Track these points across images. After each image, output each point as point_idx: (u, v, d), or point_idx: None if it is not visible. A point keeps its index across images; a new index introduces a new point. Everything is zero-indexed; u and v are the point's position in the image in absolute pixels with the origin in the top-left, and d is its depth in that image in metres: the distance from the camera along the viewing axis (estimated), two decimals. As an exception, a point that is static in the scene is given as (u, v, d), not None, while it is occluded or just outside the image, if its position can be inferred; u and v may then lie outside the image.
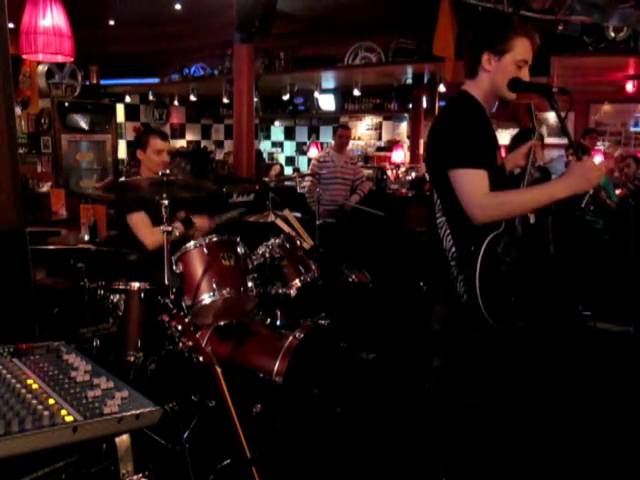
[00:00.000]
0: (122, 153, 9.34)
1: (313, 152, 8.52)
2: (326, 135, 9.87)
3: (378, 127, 9.35)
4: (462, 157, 1.83)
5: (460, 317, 1.91)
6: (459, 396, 2.03)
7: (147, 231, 2.90)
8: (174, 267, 2.44)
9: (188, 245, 2.48)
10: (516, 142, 4.06)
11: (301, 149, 10.31)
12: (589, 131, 6.17)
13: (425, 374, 2.14)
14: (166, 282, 2.32)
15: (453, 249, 1.92)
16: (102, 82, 8.21)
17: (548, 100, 1.78)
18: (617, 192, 5.05)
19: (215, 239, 2.51)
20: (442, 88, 7.22)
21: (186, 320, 2.27)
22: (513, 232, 1.89)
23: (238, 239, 2.58)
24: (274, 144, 10.84)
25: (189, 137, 10.62)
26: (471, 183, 1.82)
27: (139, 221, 2.92)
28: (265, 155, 10.18)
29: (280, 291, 2.69)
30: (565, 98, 1.77)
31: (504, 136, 7.92)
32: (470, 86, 1.97)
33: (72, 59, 4.21)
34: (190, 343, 2.22)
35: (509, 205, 1.81)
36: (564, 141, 1.99)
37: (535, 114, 2.23)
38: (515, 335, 2.01)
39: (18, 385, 1.17)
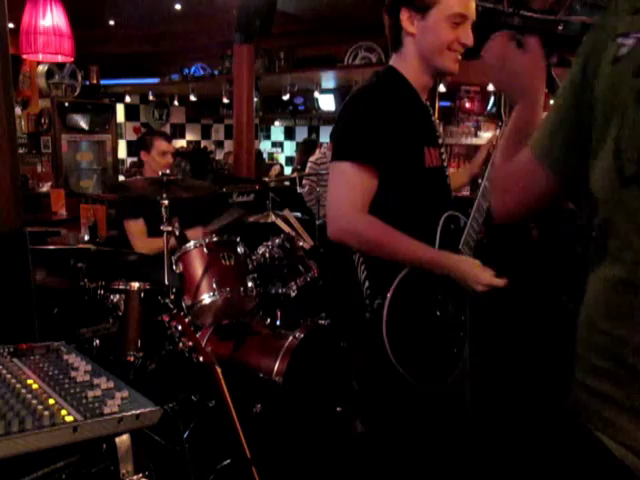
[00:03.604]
0: (122, 153, 9.33)
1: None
2: (326, 135, 9.87)
3: (378, 127, 9.36)
4: (347, 146, 1.42)
5: (379, 371, 1.49)
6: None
7: (139, 242, 2.94)
8: (174, 267, 2.44)
9: (188, 245, 2.49)
10: None
11: (301, 149, 10.31)
12: None
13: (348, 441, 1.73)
14: (166, 282, 2.32)
15: (367, 283, 1.49)
16: (102, 82, 8.20)
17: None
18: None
19: (215, 239, 2.51)
20: (442, 88, 7.22)
21: (186, 320, 2.27)
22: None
23: (238, 239, 2.58)
24: (274, 144, 10.83)
25: (189, 137, 10.61)
26: (347, 185, 1.40)
27: (135, 229, 2.97)
28: (265, 155, 10.18)
29: (280, 291, 2.69)
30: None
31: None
32: (396, 60, 1.56)
33: (72, 59, 4.22)
34: (190, 343, 2.22)
35: (375, 246, 1.41)
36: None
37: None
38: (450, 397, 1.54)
39: (18, 385, 1.17)
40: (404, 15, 1.47)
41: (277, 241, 2.77)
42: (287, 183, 5.81)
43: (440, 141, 1.64)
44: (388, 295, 1.41)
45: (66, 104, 7.46)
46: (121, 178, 8.08)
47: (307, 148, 7.25)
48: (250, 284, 2.49)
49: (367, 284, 1.49)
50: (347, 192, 1.41)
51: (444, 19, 1.44)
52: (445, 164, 1.64)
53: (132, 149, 9.28)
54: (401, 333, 1.42)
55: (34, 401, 1.09)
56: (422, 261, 1.44)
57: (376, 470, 1.88)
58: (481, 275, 1.45)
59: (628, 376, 0.76)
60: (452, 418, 1.60)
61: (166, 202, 2.36)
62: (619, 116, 0.76)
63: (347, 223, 1.42)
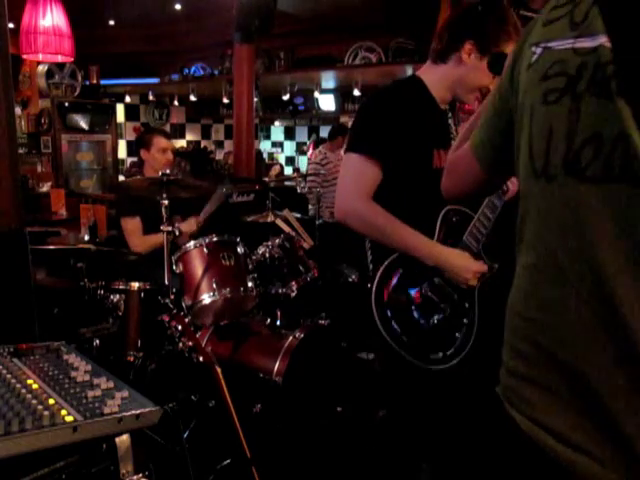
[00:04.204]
0: (122, 153, 9.33)
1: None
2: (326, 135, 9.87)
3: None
4: (357, 140, 1.57)
5: (383, 353, 1.60)
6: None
7: (135, 239, 2.94)
8: (174, 267, 2.44)
9: (188, 245, 2.49)
10: None
11: (301, 149, 10.30)
12: None
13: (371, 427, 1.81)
14: (166, 282, 2.32)
15: (371, 266, 1.64)
16: (102, 82, 8.21)
17: None
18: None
19: (215, 239, 2.51)
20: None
21: (186, 320, 2.27)
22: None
23: (238, 239, 2.58)
24: (274, 144, 10.83)
25: (189, 137, 10.61)
26: (355, 173, 1.55)
27: (130, 227, 2.97)
28: (265, 155, 10.18)
29: (280, 291, 2.69)
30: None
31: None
32: (429, 72, 1.66)
33: (72, 59, 4.23)
34: (190, 343, 2.22)
35: (378, 232, 1.55)
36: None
37: None
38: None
39: (18, 385, 1.17)
40: (467, 45, 1.57)
41: (277, 241, 2.77)
42: (295, 183, 5.81)
43: None
44: (376, 278, 1.53)
45: (66, 104, 7.46)
46: (121, 178, 8.09)
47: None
48: (250, 284, 2.49)
49: (371, 267, 1.63)
50: (354, 180, 1.56)
51: None
52: None
53: (132, 149, 9.28)
54: (390, 315, 1.52)
55: (34, 401, 1.09)
56: (415, 248, 1.54)
57: (375, 469, 1.89)
58: (470, 265, 1.54)
59: (536, 354, 0.82)
60: (459, 401, 1.66)
61: (166, 202, 2.36)
62: (529, 116, 0.85)
63: (351, 206, 1.56)
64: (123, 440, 1.12)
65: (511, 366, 0.88)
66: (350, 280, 3.61)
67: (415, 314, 1.56)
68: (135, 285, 2.50)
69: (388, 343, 1.51)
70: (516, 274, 0.90)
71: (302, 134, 10.38)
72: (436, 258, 1.53)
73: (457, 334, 1.59)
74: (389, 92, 1.64)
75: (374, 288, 1.53)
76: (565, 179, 0.78)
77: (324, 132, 9.99)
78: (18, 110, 7.32)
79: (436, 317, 1.58)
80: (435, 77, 1.64)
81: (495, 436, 0.92)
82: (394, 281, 1.55)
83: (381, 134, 1.55)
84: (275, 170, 8.14)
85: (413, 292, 1.57)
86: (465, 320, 1.60)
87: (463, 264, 1.53)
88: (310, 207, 5.10)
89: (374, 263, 1.64)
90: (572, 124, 0.77)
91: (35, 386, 1.18)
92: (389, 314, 1.53)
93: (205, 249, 2.45)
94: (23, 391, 1.14)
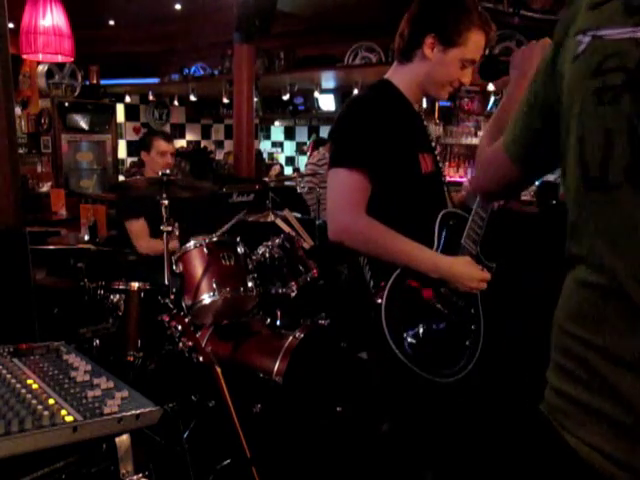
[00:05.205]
0: (122, 153, 9.33)
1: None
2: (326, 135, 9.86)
3: (378, 127, 9.33)
4: (341, 154, 1.50)
5: (388, 368, 1.54)
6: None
7: (143, 242, 2.95)
8: (174, 267, 2.44)
9: (188, 245, 2.49)
10: None
11: (301, 149, 10.30)
12: None
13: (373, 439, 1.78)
14: (166, 282, 2.32)
15: (372, 282, 1.55)
16: (102, 82, 8.20)
17: None
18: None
19: (215, 239, 2.51)
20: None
21: (186, 320, 2.27)
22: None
23: (238, 239, 2.59)
24: (274, 144, 10.82)
25: (189, 137, 10.61)
26: (344, 188, 1.47)
27: (137, 229, 2.97)
28: (265, 155, 10.17)
29: (280, 291, 2.69)
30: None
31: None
32: (397, 73, 1.61)
33: (72, 59, 4.23)
34: (190, 343, 2.22)
35: (379, 248, 1.46)
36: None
37: None
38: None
39: (18, 385, 1.17)
40: (429, 39, 1.51)
41: (277, 241, 2.77)
42: (295, 183, 5.80)
43: (433, 144, 1.68)
44: (385, 292, 1.45)
45: (66, 104, 7.46)
46: (121, 178, 8.09)
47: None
48: (250, 284, 2.49)
49: (372, 284, 1.54)
50: (344, 195, 1.47)
51: (459, 60, 1.52)
52: (440, 168, 1.68)
53: (132, 149, 9.28)
54: (402, 330, 1.46)
55: (34, 401, 1.09)
56: (417, 262, 1.48)
57: (375, 469, 1.88)
58: (474, 273, 1.50)
59: (590, 378, 0.75)
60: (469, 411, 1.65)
61: (166, 202, 2.37)
62: (578, 117, 0.75)
63: (346, 223, 1.47)
64: (123, 440, 1.12)
65: (560, 387, 0.81)
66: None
67: (427, 328, 1.51)
68: (135, 285, 2.50)
69: (399, 359, 1.44)
70: (565, 288, 0.82)
71: (302, 134, 10.38)
72: (440, 270, 1.48)
73: (467, 342, 1.56)
74: (364, 100, 1.59)
75: (383, 305, 1.44)
76: (628, 191, 0.69)
77: (324, 132, 9.98)
78: (18, 110, 7.31)
79: (447, 328, 1.53)
80: (403, 77, 1.58)
81: (542, 456, 0.85)
82: (403, 296, 1.49)
83: (363, 144, 1.48)
84: (275, 170, 8.14)
85: (423, 305, 1.51)
86: (473, 326, 1.57)
87: (467, 273, 1.49)
88: (310, 211, 5.10)
89: (375, 279, 1.56)
90: (635, 128, 0.68)
91: (35, 386, 1.17)
92: (401, 331, 1.47)
93: (205, 249, 2.45)
94: (23, 391, 1.14)
